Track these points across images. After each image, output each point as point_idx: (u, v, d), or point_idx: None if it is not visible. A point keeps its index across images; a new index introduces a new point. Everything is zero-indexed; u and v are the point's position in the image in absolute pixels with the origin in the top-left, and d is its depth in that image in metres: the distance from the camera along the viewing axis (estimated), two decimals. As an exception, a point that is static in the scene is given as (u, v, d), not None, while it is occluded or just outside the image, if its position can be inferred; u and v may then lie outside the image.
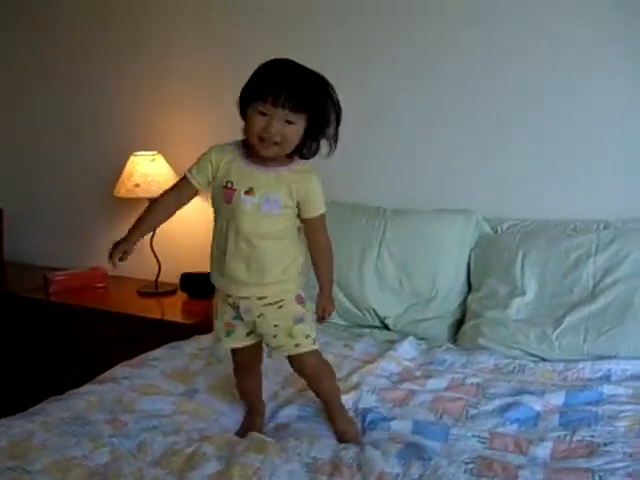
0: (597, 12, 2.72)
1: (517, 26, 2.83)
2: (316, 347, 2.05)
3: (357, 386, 2.27)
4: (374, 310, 2.82)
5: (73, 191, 3.94)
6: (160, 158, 3.42)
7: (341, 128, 3.12)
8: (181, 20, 3.52)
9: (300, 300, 2.04)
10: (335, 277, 2.81)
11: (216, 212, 2.03)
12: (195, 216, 3.55)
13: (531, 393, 2.20)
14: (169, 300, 3.39)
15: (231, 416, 2.18)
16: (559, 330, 2.51)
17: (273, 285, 1.99)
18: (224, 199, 1.95)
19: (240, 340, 2.09)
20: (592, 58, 2.75)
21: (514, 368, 2.42)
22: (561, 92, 2.81)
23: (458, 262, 2.83)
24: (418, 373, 2.40)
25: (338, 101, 1.94)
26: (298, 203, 1.96)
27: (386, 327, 2.82)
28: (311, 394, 2.16)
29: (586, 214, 2.78)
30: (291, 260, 2.00)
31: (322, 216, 2.02)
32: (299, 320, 2.01)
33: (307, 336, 2.03)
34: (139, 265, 3.60)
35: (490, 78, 2.91)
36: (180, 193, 2.04)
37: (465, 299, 2.80)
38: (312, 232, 2.04)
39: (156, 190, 3.31)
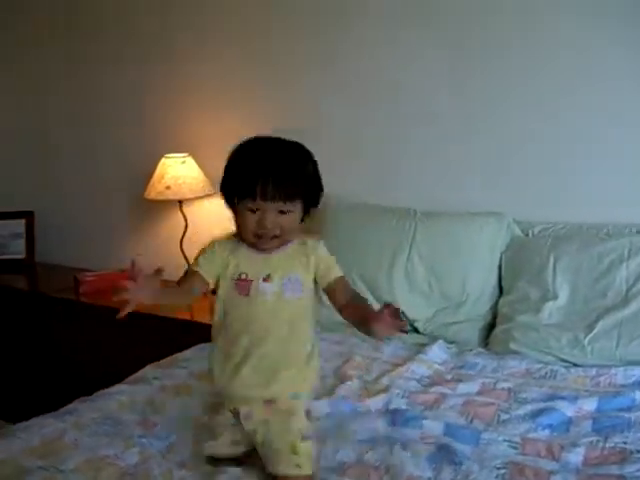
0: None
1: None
2: (311, 473, 1.76)
3: (387, 389, 2.26)
4: (403, 313, 2.80)
5: (104, 193, 3.97)
6: (191, 160, 3.43)
7: (372, 131, 3.16)
8: (212, 22, 3.53)
9: (308, 414, 1.82)
10: (364, 279, 2.87)
11: (225, 312, 1.80)
12: (225, 218, 3.56)
13: (563, 398, 2.18)
14: (199, 301, 3.38)
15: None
16: (591, 335, 2.48)
17: (287, 384, 1.77)
18: (239, 292, 1.76)
19: (223, 447, 1.85)
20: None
21: (546, 373, 2.40)
22: (591, 94, 2.78)
23: (489, 265, 2.81)
24: (449, 377, 2.38)
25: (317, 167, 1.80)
26: (316, 274, 1.81)
27: (415, 330, 2.81)
28: None
29: (619, 218, 2.75)
30: (305, 359, 1.80)
31: (343, 277, 1.87)
32: (307, 437, 1.77)
33: (309, 458, 1.75)
34: (169, 267, 3.61)
35: (521, 80, 2.89)
36: (191, 286, 1.83)
37: (496, 303, 2.78)
38: (342, 289, 1.85)
39: (187, 192, 3.33)
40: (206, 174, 3.44)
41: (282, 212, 1.70)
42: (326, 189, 3.12)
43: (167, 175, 3.35)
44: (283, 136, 1.82)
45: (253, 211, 1.70)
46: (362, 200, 3.07)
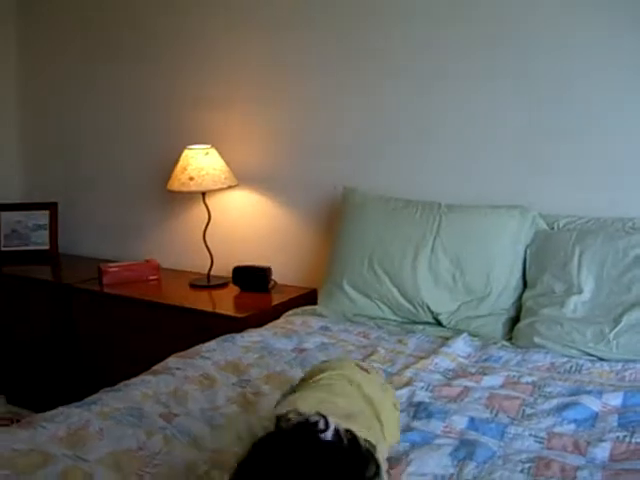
0: None
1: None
2: None
3: (411, 381, 2.25)
4: (427, 306, 2.80)
5: (126, 185, 3.98)
6: (214, 152, 3.43)
7: (396, 124, 3.15)
8: (236, 13, 3.52)
9: None
10: (388, 272, 2.86)
11: None
12: (248, 210, 3.58)
13: (588, 393, 2.15)
14: (221, 293, 3.40)
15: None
16: (617, 329, 2.45)
17: None
18: None
19: None
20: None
21: (571, 367, 2.38)
22: (620, 89, 2.75)
23: (513, 259, 2.79)
24: (473, 370, 2.37)
25: None
26: None
27: (439, 323, 2.80)
28: None
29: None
30: None
31: None
32: None
33: None
34: (192, 258, 3.65)
35: (549, 71, 2.86)
36: None
37: (520, 296, 2.76)
38: None
39: (210, 184, 3.34)
40: (229, 166, 3.44)
41: None
42: (350, 183, 3.17)
43: (190, 167, 3.35)
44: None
45: None
46: (386, 193, 3.06)
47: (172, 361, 2.44)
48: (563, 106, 2.84)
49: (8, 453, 1.82)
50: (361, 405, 1.67)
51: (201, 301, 3.30)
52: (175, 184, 3.39)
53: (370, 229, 2.95)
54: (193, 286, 3.48)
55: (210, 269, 3.49)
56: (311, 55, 3.34)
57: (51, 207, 4.14)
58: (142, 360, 2.51)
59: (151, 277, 3.62)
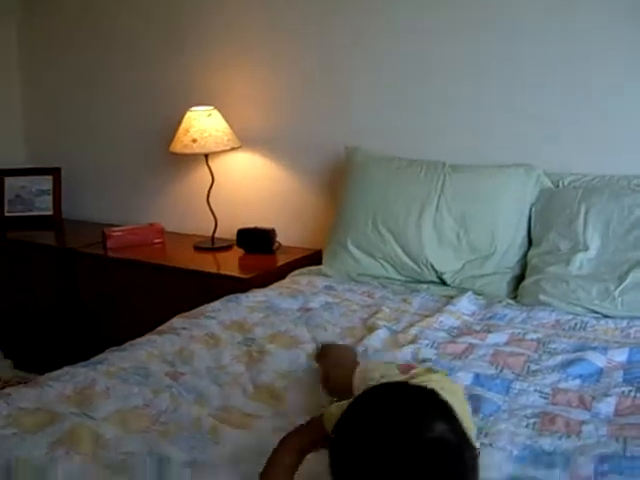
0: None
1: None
2: None
3: (415, 339, 2.26)
4: (432, 265, 2.79)
5: (129, 148, 3.96)
6: (216, 113, 3.40)
7: (400, 82, 3.13)
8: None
9: None
10: (393, 231, 2.85)
11: None
12: (252, 172, 3.56)
13: (594, 349, 2.16)
14: (226, 255, 3.40)
15: (289, 362, 2.17)
16: (622, 286, 2.45)
17: None
18: None
19: None
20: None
21: (576, 324, 2.37)
22: (627, 46, 2.72)
23: (518, 217, 2.77)
24: (478, 327, 2.37)
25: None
26: None
27: (443, 282, 2.79)
28: None
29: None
30: None
31: None
32: None
33: None
34: (196, 221, 3.64)
35: (546, 28, 2.83)
36: None
37: (525, 255, 2.75)
38: None
39: (212, 146, 3.32)
40: (232, 128, 3.42)
41: None
42: (354, 142, 3.15)
43: (192, 128, 3.33)
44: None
45: None
46: (390, 152, 3.04)
47: (177, 321, 2.45)
48: (566, 63, 2.82)
49: (15, 412, 1.84)
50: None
51: (206, 263, 3.30)
52: (178, 146, 3.37)
53: (374, 188, 2.94)
54: (197, 249, 3.48)
55: (214, 232, 3.48)
56: (312, 17, 3.31)
57: (54, 172, 4.12)
58: (147, 323, 2.51)
59: (155, 240, 3.61)
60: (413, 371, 1.66)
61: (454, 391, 1.56)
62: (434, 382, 1.50)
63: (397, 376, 1.63)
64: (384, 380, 1.59)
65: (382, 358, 2.09)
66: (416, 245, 2.81)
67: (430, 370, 1.67)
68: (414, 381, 1.54)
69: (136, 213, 3.91)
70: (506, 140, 2.96)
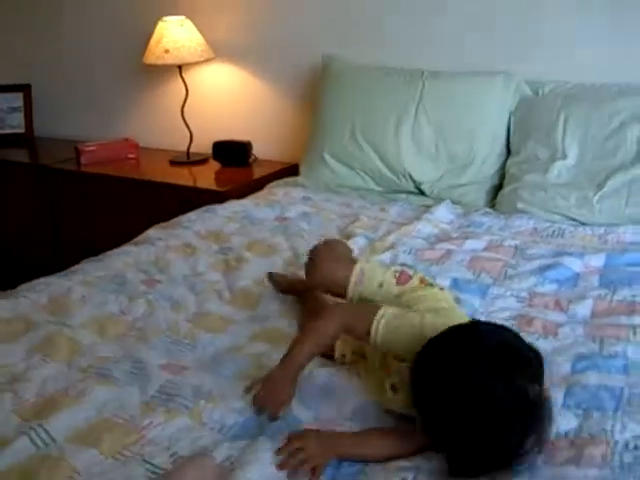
0: None
1: None
2: None
3: (393, 246, 2.25)
4: (410, 175, 2.77)
5: (101, 61, 3.85)
6: (189, 23, 3.31)
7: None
8: None
9: None
10: (371, 142, 2.82)
11: None
12: (227, 84, 3.49)
13: (570, 255, 2.16)
14: (201, 169, 3.36)
15: (267, 269, 2.15)
16: (600, 194, 2.45)
17: None
18: None
19: None
20: None
21: (553, 232, 2.38)
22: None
23: (497, 126, 2.74)
24: (455, 235, 2.36)
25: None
26: None
27: (422, 193, 2.78)
28: None
29: (632, 76, 2.66)
30: None
31: None
32: None
33: None
34: (171, 136, 3.58)
35: None
36: None
37: (504, 164, 2.73)
38: None
39: (186, 56, 3.25)
40: (205, 38, 3.33)
41: None
42: (329, 50, 3.09)
43: (164, 39, 3.24)
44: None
45: None
46: (368, 61, 2.98)
47: (153, 232, 2.43)
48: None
49: (-11, 322, 1.82)
50: None
51: (181, 177, 3.26)
52: (150, 57, 3.29)
53: (351, 98, 2.89)
54: (173, 163, 3.43)
55: (189, 146, 3.43)
56: None
57: (25, 89, 4.03)
58: (123, 238, 2.47)
59: (130, 156, 3.55)
60: (409, 283, 1.64)
61: (453, 308, 1.60)
62: (432, 301, 1.56)
63: (394, 286, 1.63)
64: (382, 291, 1.62)
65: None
66: (394, 155, 2.78)
67: (425, 281, 1.66)
68: (413, 295, 1.59)
69: (110, 129, 3.83)
70: (486, 47, 2.90)
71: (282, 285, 2.00)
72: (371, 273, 1.66)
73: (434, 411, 1.28)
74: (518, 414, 1.23)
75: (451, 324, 1.36)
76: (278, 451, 1.32)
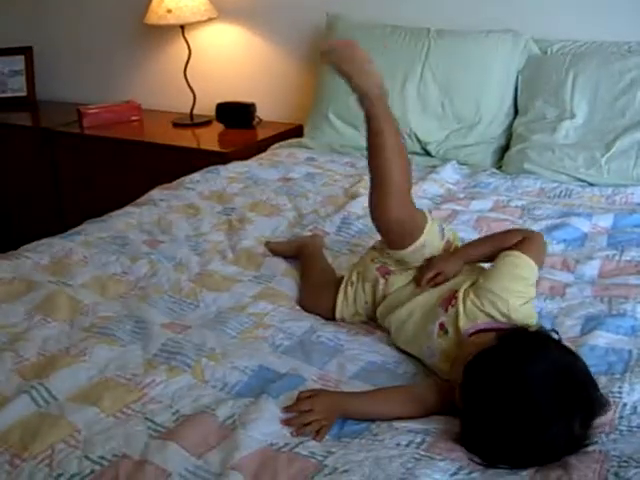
0: None
1: None
2: None
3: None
4: (415, 135, 2.73)
5: (102, 22, 3.79)
6: (191, -19, 3.26)
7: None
8: None
9: None
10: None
11: None
12: (230, 44, 3.45)
13: (578, 215, 2.14)
14: (205, 131, 3.32)
15: (271, 230, 2.15)
16: (609, 154, 2.42)
17: None
18: None
19: None
20: None
21: (561, 192, 2.35)
22: None
23: (504, 85, 2.70)
24: (461, 195, 2.34)
25: None
26: None
27: (427, 153, 2.74)
28: None
29: (641, 35, 2.62)
30: None
31: None
32: None
33: None
34: (174, 98, 3.54)
35: None
36: None
37: (511, 124, 2.70)
38: None
39: (189, 16, 3.20)
40: (208, -3, 3.28)
41: None
42: (334, 7, 3.03)
43: (167, -2, 3.20)
44: None
45: None
46: (372, 19, 2.93)
47: (155, 193, 2.41)
48: None
49: (-10, 282, 1.81)
50: None
51: (185, 139, 3.23)
52: (152, 17, 3.24)
53: (356, 57, 2.84)
54: (176, 125, 3.39)
55: (193, 107, 3.39)
56: None
57: (26, 52, 3.97)
58: (127, 200, 2.45)
59: (133, 118, 3.51)
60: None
61: None
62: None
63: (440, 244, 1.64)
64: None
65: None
66: (400, 115, 2.66)
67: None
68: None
69: (112, 91, 3.79)
70: (494, 6, 2.84)
71: (281, 251, 1.97)
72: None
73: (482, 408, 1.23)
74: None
75: None
76: (285, 408, 1.31)
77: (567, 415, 1.18)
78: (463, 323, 1.44)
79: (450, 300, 1.50)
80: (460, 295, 1.49)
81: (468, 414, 1.25)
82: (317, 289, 1.78)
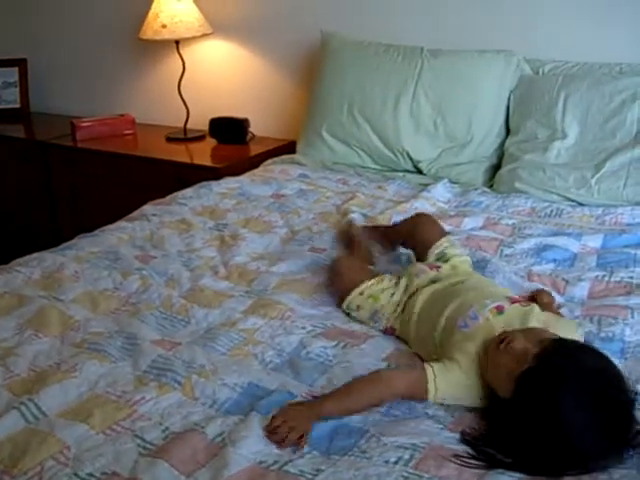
0: None
1: None
2: None
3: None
4: (407, 153, 2.75)
5: (98, 36, 3.81)
6: (187, -2, 3.28)
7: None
8: None
9: None
10: (369, 119, 2.79)
11: None
12: (225, 60, 3.46)
13: (568, 235, 2.15)
14: (198, 146, 3.33)
15: (263, 246, 2.16)
16: (599, 175, 2.43)
17: None
18: None
19: None
20: None
21: (551, 211, 2.36)
22: None
23: (496, 104, 2.72)
24: (452, 213, 2.35)
25: None
26: None
27: (419, 171, 2.76)
28: None
29: (633, 56, 2.64)
30: None
31: None
32: None
33: None
34: (167, 112, 3.55)
35: None
36: None
37: (502, 143, 2.71)
38: None
39: (183, 31, 3.21)
40: (202, 12, 3.29)
41: None
42: (329, 26, 3.05)
43: (162, 13, 3.20)
44: None
45: None
46: (366, 37, 2.95)
47: (148, 208, 2.41)
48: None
49: (-19, 297, 1.81)
50: None
51: (178, 154, 3.24)
52: (148, 32, 3.25)
53: (350, 75, 2.86)
54: (169, 139, 3.40)
55: (186, 122, 3.40)
56: None
57: (21, 63, 3.99)
58: (119, 214, 2.45)
59: (126, 132, 3.52)
60: None
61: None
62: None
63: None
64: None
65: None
66: (392, 133, 2.75)
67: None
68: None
69: (106, 104, 3.80)
70: (487, 25, 2.87)
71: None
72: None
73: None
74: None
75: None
76: (264, 429, 1.32)
77: (618, 433, 1.25)
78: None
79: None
80: None
81: (518, 425, 1.28)
82: (358, 264, 1.91)
